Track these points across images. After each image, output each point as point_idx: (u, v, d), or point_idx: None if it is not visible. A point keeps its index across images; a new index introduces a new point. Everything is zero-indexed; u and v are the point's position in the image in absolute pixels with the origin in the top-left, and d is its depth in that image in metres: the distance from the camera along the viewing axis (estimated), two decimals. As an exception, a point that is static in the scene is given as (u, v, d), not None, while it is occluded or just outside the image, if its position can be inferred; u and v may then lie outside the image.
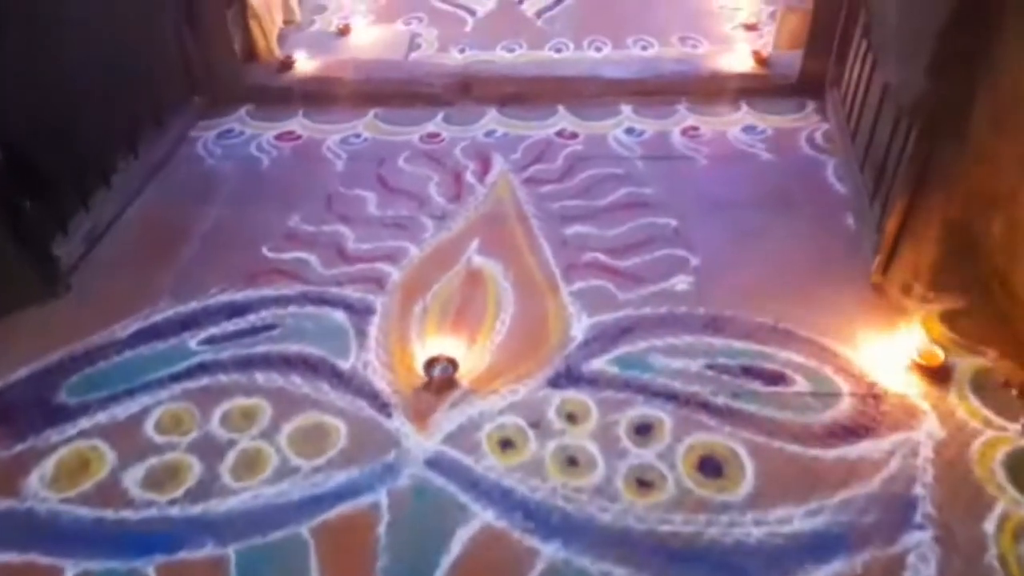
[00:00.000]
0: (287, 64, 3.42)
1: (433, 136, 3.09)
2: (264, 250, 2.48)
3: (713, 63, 3.37)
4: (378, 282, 2.33)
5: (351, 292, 2.30)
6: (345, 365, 2.05)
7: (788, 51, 3.47)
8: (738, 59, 3.36)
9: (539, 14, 4.15)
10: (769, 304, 2.17)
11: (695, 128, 3.07)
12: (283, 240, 2.53)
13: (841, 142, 2.83)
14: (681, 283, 2.29)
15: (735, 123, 3.09)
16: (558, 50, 3.78)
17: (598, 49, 3.77)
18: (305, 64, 3.46)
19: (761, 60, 3.31)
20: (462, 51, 3.80)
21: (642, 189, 2.72)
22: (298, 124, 3.19)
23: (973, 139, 1.97)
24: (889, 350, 1.99)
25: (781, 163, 2.85)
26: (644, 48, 3.75)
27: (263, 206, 2.71)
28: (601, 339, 2.10)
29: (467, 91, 3.34)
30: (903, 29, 2.21)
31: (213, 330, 2.18)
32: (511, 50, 3.79)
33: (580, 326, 2.15)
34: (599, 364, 2.02)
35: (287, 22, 4.00)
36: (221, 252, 2.49)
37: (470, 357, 2.05)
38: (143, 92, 2.86)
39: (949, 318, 2.09)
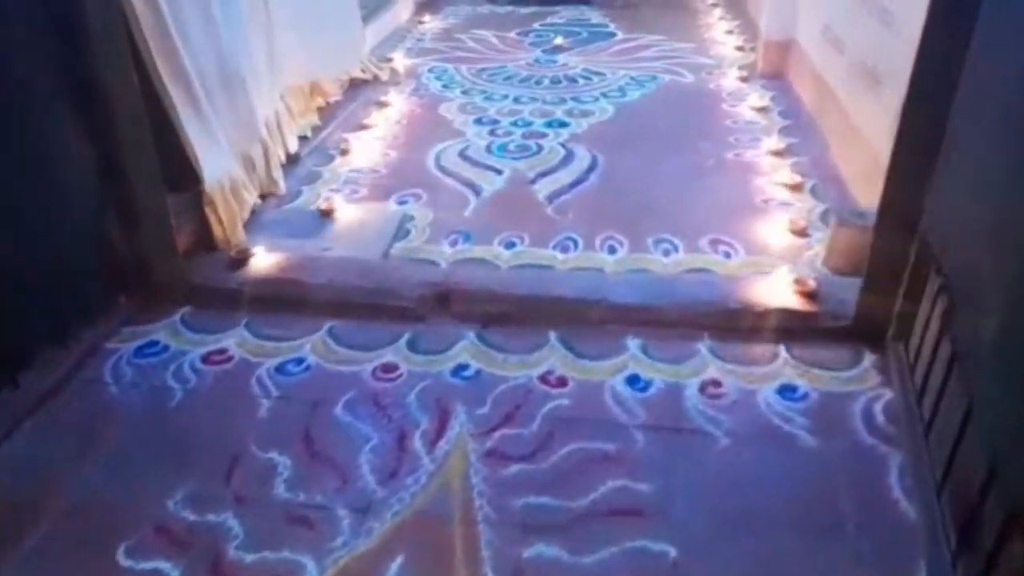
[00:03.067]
0: (240, 259, 2.94)
1: (389, 370, 2.50)
2: (120, 551, 1.87)
3: (746, 291, 2.73)
4: (248, 631, 1.69)
5: (205, 648, 1.66)
6: None
7: (840, 275, 2.84)
8: (777, 287, 2.72)
9: (551, 198, 3.63)
10: None
11: (716, 384, 2.40)
12: (151, 534, 1.92)
13: (908, 432, 2.13)
14: None
15: (769, 379, 2.42)
16: (564, 248, 3.22)
17: (612, 250, 3.19)
18: (263, 259, 2.97)
19: (806, 293, 2.67)
20: (454, 243, 3.28)
21: (637, 484, 2.05)
22: (236, 339, 2.65)
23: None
24: None
25: (827, 454, 2.14)
26: (666, 253, 3.16)
27: (149, 468, 2.13)
28: None
29: (444, 305, 2.78)
30: (1013, 350, 1.51)
31: None
32: (511, 244, 3.26)
33: None
34: None
35: (266, 195, 3.58)
36: (67, 547, 1.89)
37: None
38: (42, 301, 2.37)
39: None
